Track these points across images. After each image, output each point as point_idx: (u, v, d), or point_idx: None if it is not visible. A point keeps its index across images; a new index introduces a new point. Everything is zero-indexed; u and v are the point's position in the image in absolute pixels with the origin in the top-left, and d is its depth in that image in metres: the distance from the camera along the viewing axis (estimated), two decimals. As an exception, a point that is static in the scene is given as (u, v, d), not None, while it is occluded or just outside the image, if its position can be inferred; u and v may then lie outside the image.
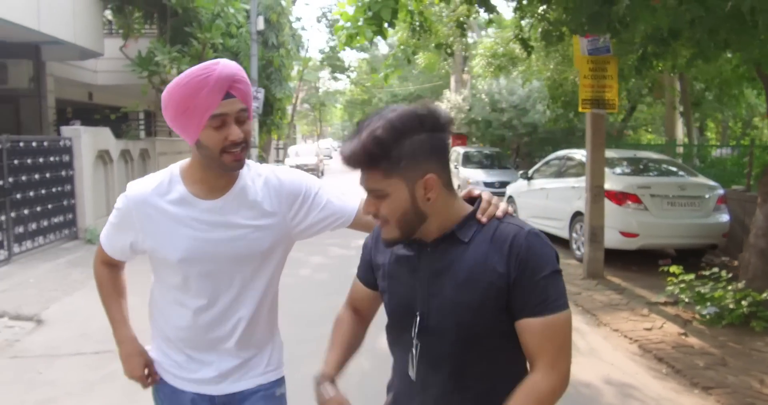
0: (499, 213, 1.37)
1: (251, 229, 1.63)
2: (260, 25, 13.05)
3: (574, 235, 8.52)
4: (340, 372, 1.53)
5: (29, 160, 8.11)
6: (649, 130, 21.15)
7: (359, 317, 1.62)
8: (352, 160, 1.28)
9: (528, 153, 18.67)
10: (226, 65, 1.51)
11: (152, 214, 1.63)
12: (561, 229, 8.95)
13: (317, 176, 25.19)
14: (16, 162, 7.80)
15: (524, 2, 5.93)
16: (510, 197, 11.30)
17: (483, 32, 20.90)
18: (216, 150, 1.52)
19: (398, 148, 1.25)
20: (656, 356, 4.63)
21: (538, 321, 1.27)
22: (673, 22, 4.58)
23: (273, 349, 1.81)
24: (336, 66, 37.26)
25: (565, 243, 8.78)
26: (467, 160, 15.92)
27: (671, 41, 5.42)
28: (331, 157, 49.00)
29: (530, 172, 10.73)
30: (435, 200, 1.31)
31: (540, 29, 6.11)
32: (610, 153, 8.78)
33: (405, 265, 1.42)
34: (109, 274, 1.85)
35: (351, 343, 1.60)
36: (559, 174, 9.64)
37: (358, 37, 5.57)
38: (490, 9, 5.81)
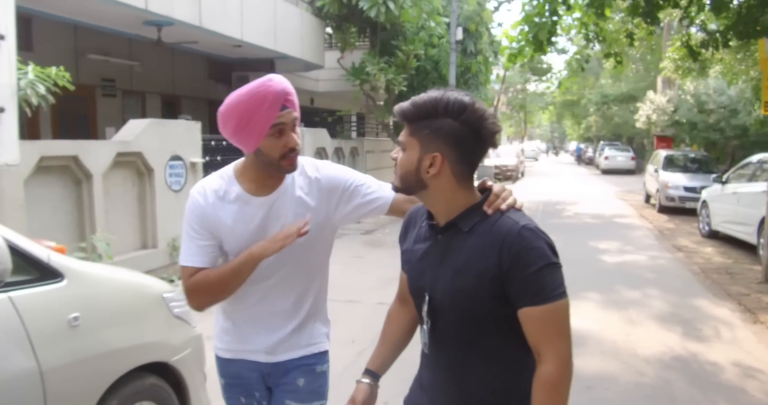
0: (503, 206, 1.44)
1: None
2: (459, 35, 13.98)
3: (762, 240, 8.25)
4: (385, 367, 1.70)
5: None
6: None
7: (408, 308, 1.70)
8: (399, 110, 1.43)
9: (743, 157, 17.32)
10: (279, 81, 1.69)
11: (218, 215, 1.79)
12: (749, 235, 8.69)
13: (516, 177, 24.37)
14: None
15: (692, 12, 6.13)
16: (704, 202, 10.99)
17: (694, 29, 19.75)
18: (276, 156, 1.72)
19: (430, 120, 1.39)
20: (801, 352, 4.74)
21: (537, 310, 1.35)
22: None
23: (318, 325, 1.95)
24: (537, 69, 37.01)
25: (753, 249, 8.52)
26: (669, 163, 15.38)
27: None
28: (536, 160, 48.04)
29: (725, 176, 10.41)
30: (436, 177, 1.41)
31: (703, 38, 6.26)
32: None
33: (419, 251, 1.55)
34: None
35: (399, 339, 1.72)
36: (752, 178, 9.31)
37: (518, 56, 6.31)
38: (655, 21, 6.11)
